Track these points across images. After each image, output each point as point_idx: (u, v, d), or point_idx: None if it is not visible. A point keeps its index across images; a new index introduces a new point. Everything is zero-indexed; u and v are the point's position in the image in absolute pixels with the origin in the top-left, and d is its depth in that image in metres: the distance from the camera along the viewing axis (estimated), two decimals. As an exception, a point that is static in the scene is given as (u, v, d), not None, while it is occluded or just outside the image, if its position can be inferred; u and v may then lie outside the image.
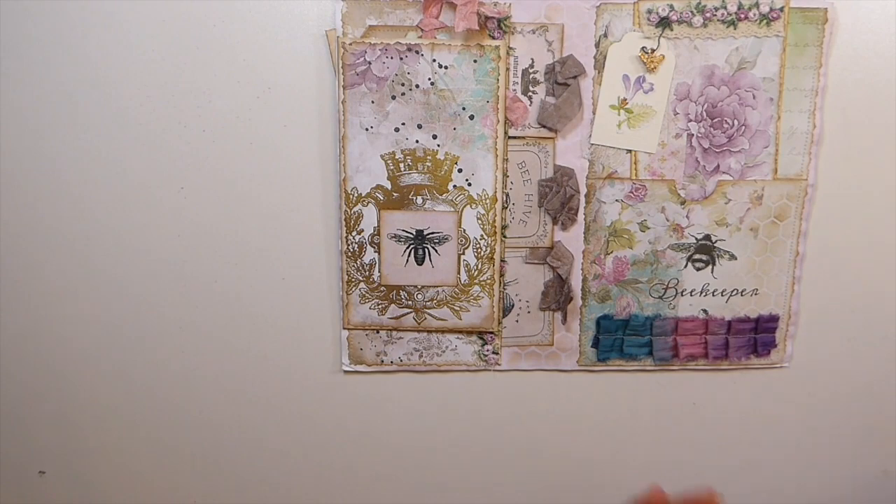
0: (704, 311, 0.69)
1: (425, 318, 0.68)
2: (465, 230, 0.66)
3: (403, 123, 0.63)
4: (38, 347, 0.69)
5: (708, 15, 0.62)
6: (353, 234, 0.66)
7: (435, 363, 0.70)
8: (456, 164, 0.64)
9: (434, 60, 0.62)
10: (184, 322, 0.69)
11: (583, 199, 0.66)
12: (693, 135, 0.65)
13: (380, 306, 0.68)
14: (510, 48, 0.62)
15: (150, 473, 0.73)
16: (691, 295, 0.69)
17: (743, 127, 0.64)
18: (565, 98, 0.63)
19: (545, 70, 0.63)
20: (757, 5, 0.62)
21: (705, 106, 0.64)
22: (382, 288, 0.67)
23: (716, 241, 0.67)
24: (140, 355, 0.70)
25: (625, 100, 0.64)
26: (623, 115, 0.64)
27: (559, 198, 0.66)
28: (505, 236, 0.67)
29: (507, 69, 0.63)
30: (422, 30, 0.61)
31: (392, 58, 0.61)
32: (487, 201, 0.65)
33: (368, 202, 0.65)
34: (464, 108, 0.63)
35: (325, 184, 0.65)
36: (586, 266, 0.68)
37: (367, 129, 0.63)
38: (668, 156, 0.65)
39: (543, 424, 0.72)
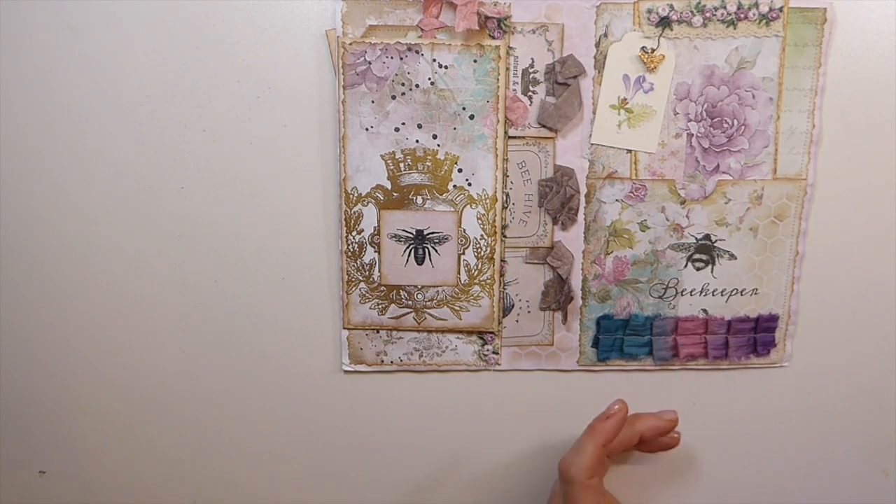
0: (704, 310, 0.69)
1: (425, 318, 0.68)
2: (465, 230, 0.66)
3: (403, 123, 0.63)
4: (37, 347, 0.69)
5: (708, 15, 0.62)
6: (353, 233, 0.66)
7: (435, 363, 0.70)
8: (456, 163, 0.64)
9: (434, 60, 0.62)
10: (183, 322, 0.69)
11: (583, 199, 0.66)
12: (693, 135, 0.65)
13: (380, 306, 0.68)
14: (510, 48, 0.62)
15: (150, 473, 0.73)
16: (691, 295, 0.69)
17: (743, 127, 0.64)
18: (565, 98, 0.63)
19: (545, 70, 0.63)
20: (756, 5, 0.62)
21: (705, 106, 0.64)
22: (382, 288, 0.67)
23: (716, 241, 0.67)
24: (139, 355, 0.70)
25: (625, 100, 0.64)
26: (623, 115, 0.64)
27: (559, 198, 0.66)
28: (505, 236, 0.67)
29: (507, 69, 0.63)
30: (422, 29, 0.61)
31: (392, 58, 0.61)
32: (487, 201, 0.65)
33: (368, 202, 0.65)
34: (464, 108, 0.63)
35: (326, 184, 0.65)
36: (586, 266, 0.68)
37: (367, 129, 0.63)
38: (668, 156, 0.65)
39: (543, 424, 0.72)
